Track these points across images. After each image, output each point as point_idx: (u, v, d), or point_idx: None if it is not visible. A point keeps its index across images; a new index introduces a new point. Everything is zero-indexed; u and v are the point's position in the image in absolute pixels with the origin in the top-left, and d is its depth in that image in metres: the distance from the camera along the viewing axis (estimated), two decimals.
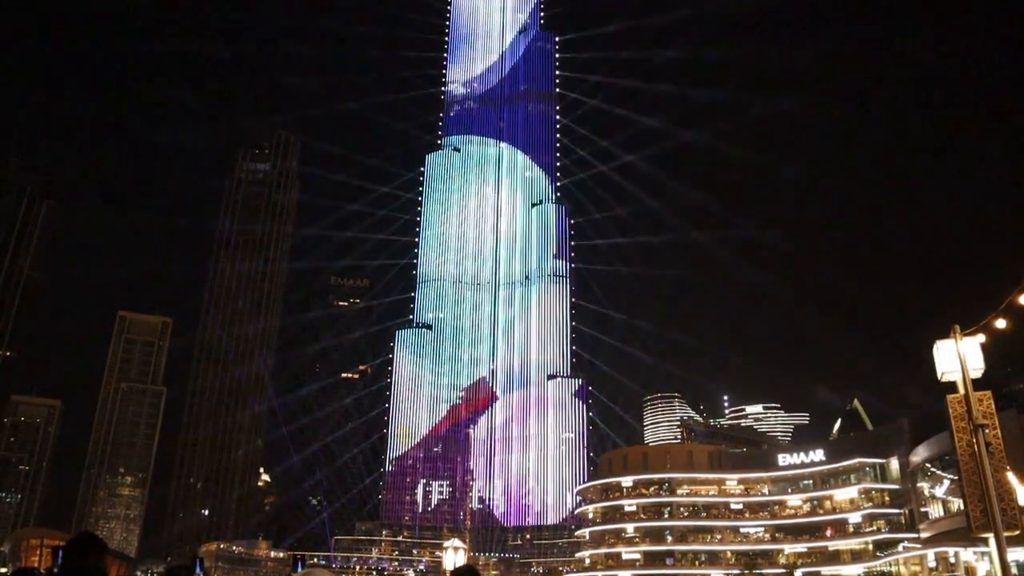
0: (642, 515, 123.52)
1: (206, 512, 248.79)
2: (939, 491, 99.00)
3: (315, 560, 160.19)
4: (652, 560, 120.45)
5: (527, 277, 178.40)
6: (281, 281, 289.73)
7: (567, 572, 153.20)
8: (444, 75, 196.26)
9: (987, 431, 22.05)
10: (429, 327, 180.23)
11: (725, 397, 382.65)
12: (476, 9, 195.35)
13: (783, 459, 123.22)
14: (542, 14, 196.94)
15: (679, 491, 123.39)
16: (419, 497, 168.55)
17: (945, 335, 23.12)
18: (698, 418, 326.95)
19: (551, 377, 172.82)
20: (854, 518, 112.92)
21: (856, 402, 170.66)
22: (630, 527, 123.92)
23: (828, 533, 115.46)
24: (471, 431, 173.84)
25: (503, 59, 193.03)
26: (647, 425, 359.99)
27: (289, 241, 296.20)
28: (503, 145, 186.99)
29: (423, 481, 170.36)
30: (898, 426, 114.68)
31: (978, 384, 22.96)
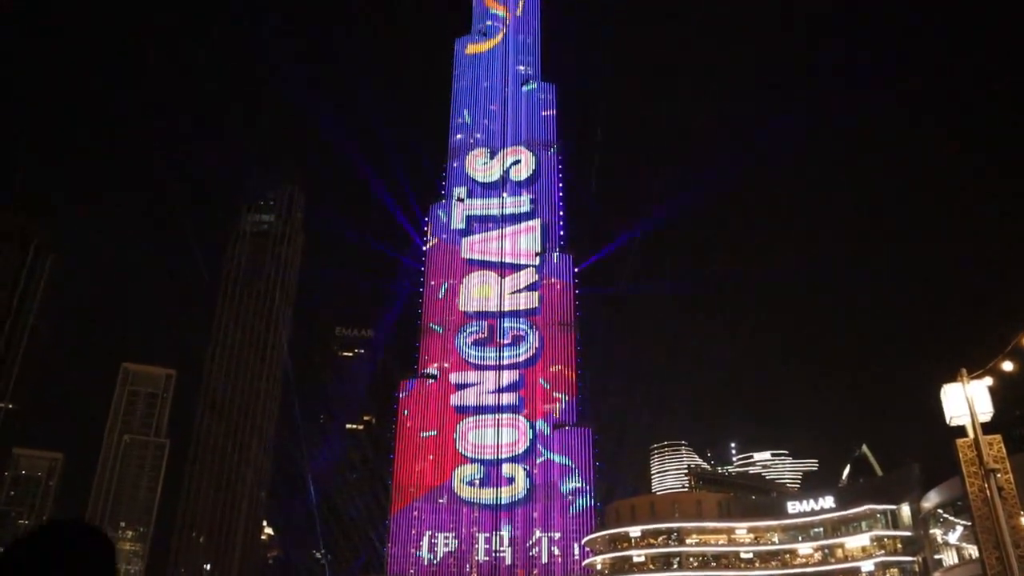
0: (651, 566, 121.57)
1: (208, 567, 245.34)
2: (953, 537, 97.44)
3: None
4: None
5: (533, 326, 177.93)
6: (285, 332, 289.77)
7: None
8: (447, 126, 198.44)
9: (999, 476, 21.76)
10: (434, 377, 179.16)
11: (732, 444, 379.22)
12: (478, 61, 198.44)
13: (793, 507, 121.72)
14: (543, 65, 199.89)
15: (688, 541, 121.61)
16: (424, 550, 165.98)
17: (952, 378, 22.95)
18: (706, 466, 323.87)
19: (557, 426, 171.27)
20: (867, 566, 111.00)
21: (864, 448, 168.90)
22: None
23: None
24: (476, 481, 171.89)
25: (505, 110, 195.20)
26: (654, 474, 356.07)
27: (293, 292, 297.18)
28: (506, 195, 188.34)
29: (428, 533, 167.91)
30: (908, 471, 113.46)
31: (988, 428, 22.72)
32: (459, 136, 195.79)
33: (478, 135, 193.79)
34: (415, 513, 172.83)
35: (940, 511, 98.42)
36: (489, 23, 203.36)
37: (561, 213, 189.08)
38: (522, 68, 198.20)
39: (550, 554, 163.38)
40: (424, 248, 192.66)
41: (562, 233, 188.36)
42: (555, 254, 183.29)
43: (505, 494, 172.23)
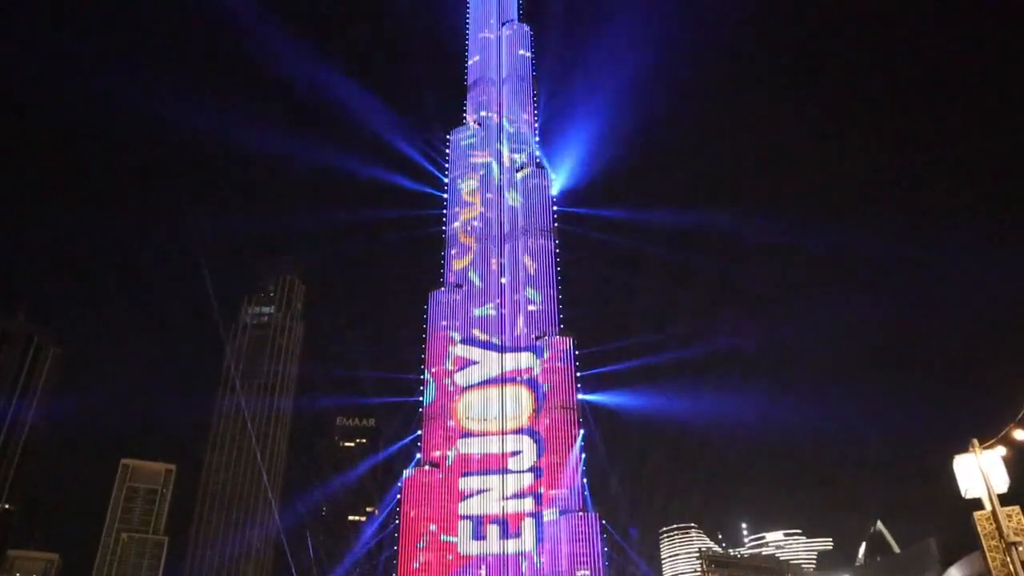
0: None
1: None
2: None
3: None
4: None
5: (535, 411, 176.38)
6: (286, 424, 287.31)
7: None
8: (444, 214, 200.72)
9: (1021, 548, 21.13)
10: (436, 466, 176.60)
11: (744, 524, 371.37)
12: (474, 149, 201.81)
13: None
14: (538, 153, 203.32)
15: None
16: None
17: (964, 449, 22.49)
18: (717, 548, 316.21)
19: (563, 512, 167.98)
20: None
21: (880, 524, 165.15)
22: None
23: None
24: (482, 571, 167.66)
25: (502, 197, 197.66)
26: (665, 558, 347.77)
27: (293, 384, 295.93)
28: (504, 281, 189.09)
29: None
30: (926, 547, 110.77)
31: (1005, 499, 22.13)
32: (456, 224, 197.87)
33: (475, 223, 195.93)
34: None
35: None
36: (484, 113, 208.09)
37: (559, 296, 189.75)
38: (518, 157, 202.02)
39: None
40: (423, 336, 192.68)
41: (561, 317, 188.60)
42: (554, 337, 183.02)
43: None
